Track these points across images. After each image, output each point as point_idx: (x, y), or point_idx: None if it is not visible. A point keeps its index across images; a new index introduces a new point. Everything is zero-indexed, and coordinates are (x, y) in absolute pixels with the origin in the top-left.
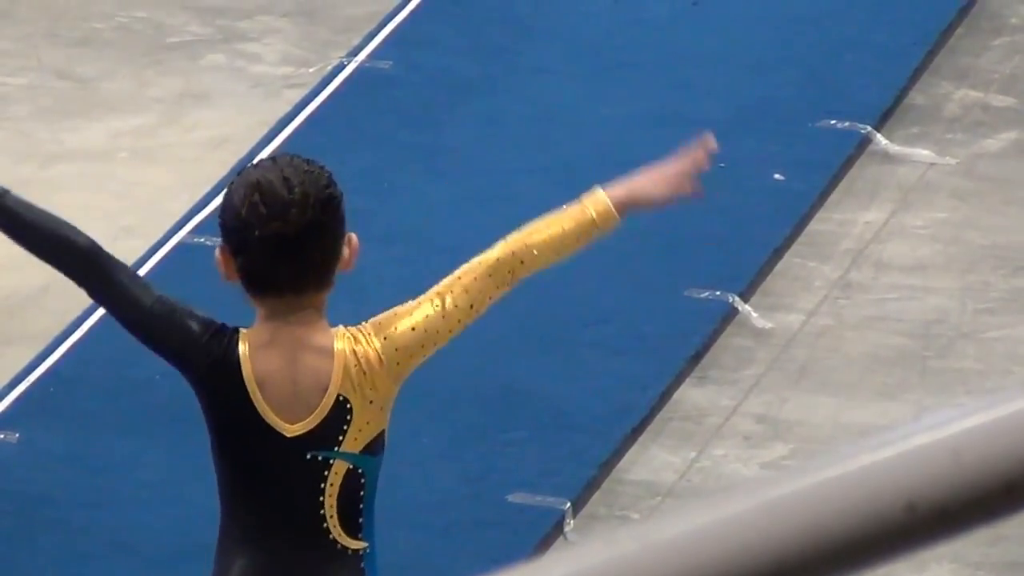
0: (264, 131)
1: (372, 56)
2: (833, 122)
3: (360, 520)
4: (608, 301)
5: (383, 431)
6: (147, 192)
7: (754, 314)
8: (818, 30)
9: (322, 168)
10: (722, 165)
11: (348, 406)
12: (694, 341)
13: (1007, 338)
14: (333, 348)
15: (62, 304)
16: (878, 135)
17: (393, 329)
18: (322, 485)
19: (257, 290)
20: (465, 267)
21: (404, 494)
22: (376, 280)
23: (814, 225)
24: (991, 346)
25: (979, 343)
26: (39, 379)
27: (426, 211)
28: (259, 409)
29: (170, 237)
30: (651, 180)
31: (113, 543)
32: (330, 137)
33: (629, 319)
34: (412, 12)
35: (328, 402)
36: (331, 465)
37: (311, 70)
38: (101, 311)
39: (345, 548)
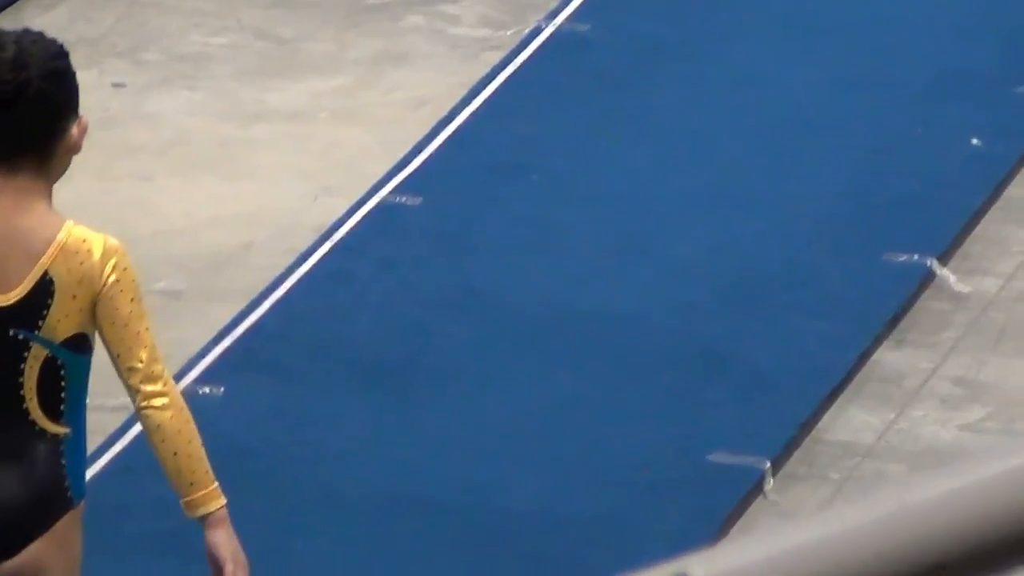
0: (463, 93)
1: (570, 19)
2: None
3: (61, 407)
4: (807, 264)
5: (86, 336)
6: (346, 152)
7: (952, 278)
8: None
9: (56, 43)
10: (919, 129)
11: (52, 288)
12: (892, 304)
13: None
14: (56, 230)
15: (266, 261)
16: None
17: (120, 291)
18: (21, 366)
19: None
20: (143, 345)
21: (606, 453)
22: (577, 241)
23: (1012, 190)
24: None
25: None
26: (243, 334)
27: (625, 174)
28: None
29: (370, 197)
30: (217, 546)
31: (320, 497)
32: (528, 100)
33: (828, 282)
34: None
35: (36, 275)
36: (30, 348)
37: (509, 33)
38: (305, 268)
39: (44, 430)
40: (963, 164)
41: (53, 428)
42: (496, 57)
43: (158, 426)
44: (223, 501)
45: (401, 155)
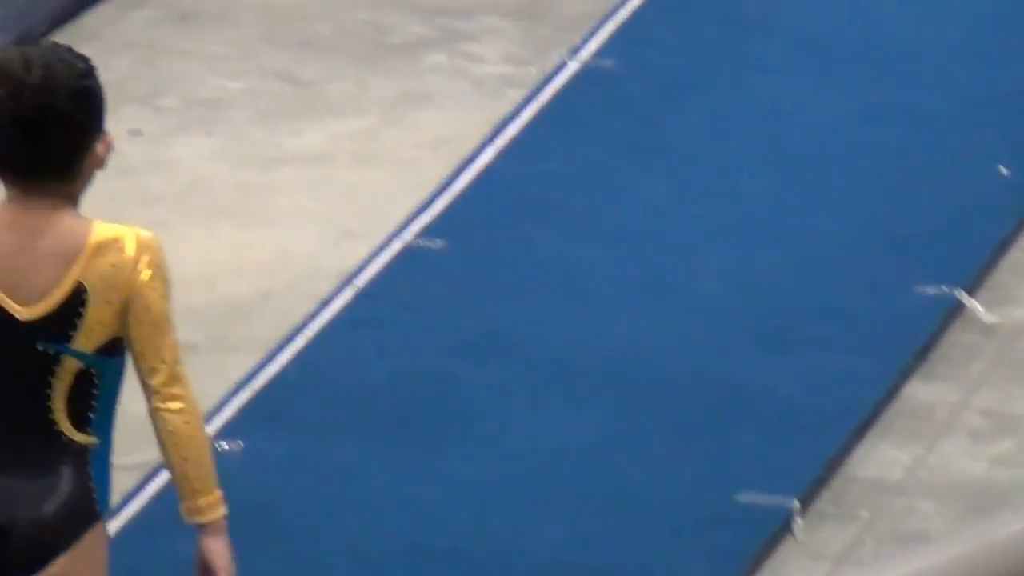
0: (486, 131)
1: (595, 55)
2: None
3: (90, 416)
4: (834, 298)
5: (121, 339)
6: (369, 195)
7: (981, 308)
8: None
9: (84, 60)
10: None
11: (84, 297)
12: (920, 337)
13: None
14: (85, 237)
15: (286, 309)
16: None
17: (153, 288)
18: (50, 379)
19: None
20: (169, 355)
21: (632, 495)
22: (601, 280)
23: None
24: None
25: None
26: (263, 387)
27: (651, 210)
28: None
29: (393, 240)
30: (212, 553)
31: (344, 550)
32: (554, 137)
33: (855, 315)
34: (635, 11)
35: (67, 286)
36: (61, 361)
37: (532, 69)
38: (324, 316)
39: (71, 441)
40: (991, 193)
41: (80, 438)
42: (520, 95)
43: (173, 430)
44: (225, 511)
45: (423, 197)
